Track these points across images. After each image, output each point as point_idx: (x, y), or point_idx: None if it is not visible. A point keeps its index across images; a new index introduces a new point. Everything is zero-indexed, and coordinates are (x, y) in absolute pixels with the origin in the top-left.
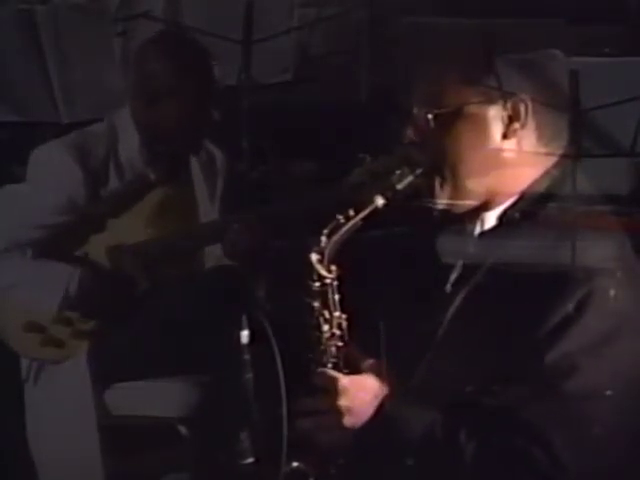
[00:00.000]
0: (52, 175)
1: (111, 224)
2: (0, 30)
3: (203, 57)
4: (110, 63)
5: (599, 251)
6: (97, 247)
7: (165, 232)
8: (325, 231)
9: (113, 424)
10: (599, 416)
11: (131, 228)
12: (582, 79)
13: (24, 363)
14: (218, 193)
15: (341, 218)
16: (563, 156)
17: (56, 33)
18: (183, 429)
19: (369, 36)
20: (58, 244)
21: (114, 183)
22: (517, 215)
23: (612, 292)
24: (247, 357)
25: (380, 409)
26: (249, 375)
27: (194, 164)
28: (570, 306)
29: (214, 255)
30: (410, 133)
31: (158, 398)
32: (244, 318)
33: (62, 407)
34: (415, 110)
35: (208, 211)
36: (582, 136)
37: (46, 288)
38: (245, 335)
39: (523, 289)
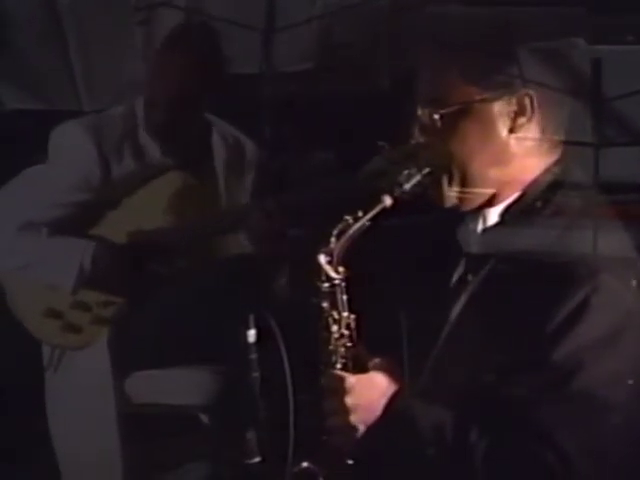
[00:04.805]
0: (68, 153)
1: (129, 208)
2: (22, 18)
3: (218, 48)
4: (131, 52)
5: (604, 244)
6: (114, 229)
7: (185, 219)
8: (334, 232)
9: (133, 412)
10: (607, 414)
11: (150, 213)
12: (604, 67)
13: (45, 351)
14: (247, 185)
15: (349, 219)
16: (584, 144)
17: (78, 22)
18: (204, 417)
19: (390, 25)
20: (73, 223)
21: (129, 165)
22: (519, 211)
23: (634, 282)
24: (254, 356)
25: (389, 407)
26: (256, 374)
27: (219, 153)
28: (575, 302)
29: (233, 243)
30: (416, 133)
31: (179, 386)
32: (251, 317)
33: (82, 394)
34: (420, 111)
35: (233, 201)
36: (604, 125)
37: (61, 265)
38: (252, 334)
39: (527, 286)
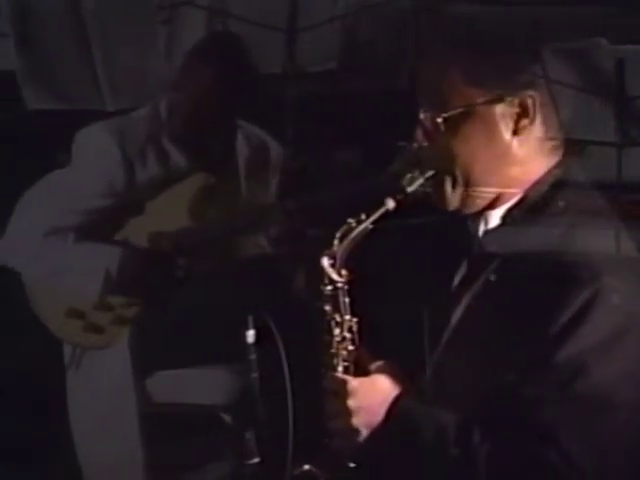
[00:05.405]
0: (93, 157)
1: (152, 210)
2: (47, 19)
3: (248, 55)
4: (155, 52)
5: (607, 246)
6: (138, 232)
7: (207, 219)
8: (337, 235)
9: (155, 411)
10: (611, 415)
11: (173, 214)
12: (627, 67)
13: (67, 350)
14: (271, 186)
15: (353, 222)
16: (606, 144)
17: (101, 21)
18: (225, 417)
19: (413, 24)
20: (98, 228)
21: (153, 168)
22: (521, 213)
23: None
24: (253, 357)
25: (391, 410)
26: (255, 374)
27: (242, 154)
28: (579, 304)
29: (252, 244)
30: (419, 136)
31: (200, 385)
32: (250, 318)
33: (103, 394)
34: (422, 114)
35: (255, 201)
36: (627, 124)
37: (87, 274)
38: (251, 335)
39: (529, 288)
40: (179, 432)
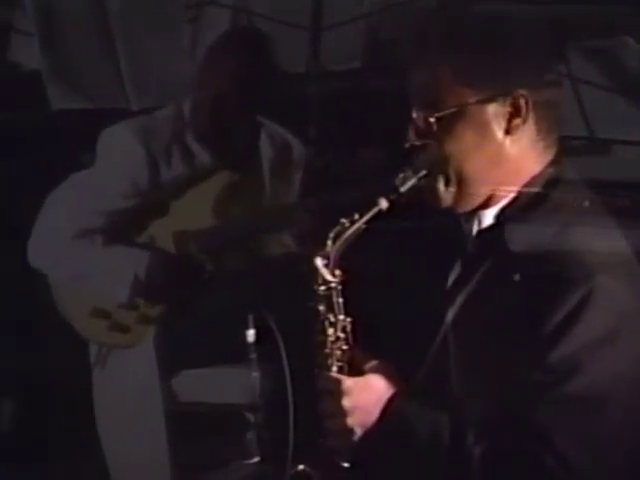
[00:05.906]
0: (118, 158)
1: (177, 209)
2: (71, 18)
3: (270, 51)
4: (180, 50)
5: (600, 245)
6: (163, 232)
7: (231, 218)
8: (330, 235)
9: (180, 410)
10: (606, 415)
11: (197, 213)
12: None
13: (93, 349)
14: (294, 185)
15: (346, 222)
16: (633, 144)
17: (126, 21)
18: (250, 416)
19: (437, 22)
20: (125, 230)
21: (177, 167)
22: (514, 213)
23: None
24: (253, 356)
25: (386, 409)
26: (255, 374)
27: (266, 153)
28: (573, 303)
29: (280, 242)
30: (412, 136)
31: (226, 385)
32: (250, 317)
33: (129, 392)
34: (414, 114)
35: (278, 200)
36: None
37: (115, 278)
38: (251, 334)
39: (523, 287)
40: (205, 431)
